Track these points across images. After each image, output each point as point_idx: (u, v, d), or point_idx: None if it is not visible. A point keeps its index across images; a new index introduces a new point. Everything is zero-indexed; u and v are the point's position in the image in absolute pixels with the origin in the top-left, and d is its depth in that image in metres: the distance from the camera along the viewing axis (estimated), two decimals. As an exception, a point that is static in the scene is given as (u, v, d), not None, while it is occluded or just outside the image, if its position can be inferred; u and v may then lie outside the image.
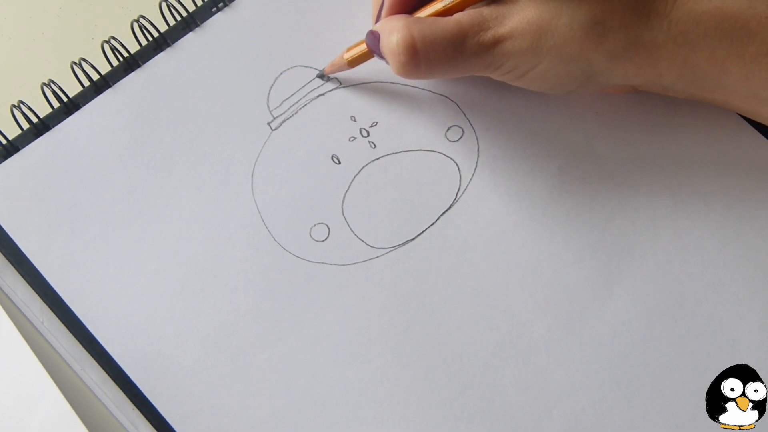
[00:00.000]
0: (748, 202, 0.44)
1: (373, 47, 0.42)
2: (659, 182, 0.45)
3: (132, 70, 0.48)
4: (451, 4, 0.41)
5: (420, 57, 0.40)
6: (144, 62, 0.48)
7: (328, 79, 0.48)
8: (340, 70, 0.47)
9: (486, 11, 0.40)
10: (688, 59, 0.39)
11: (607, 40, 0.38)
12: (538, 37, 0.39)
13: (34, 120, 0.46)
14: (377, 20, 0.43)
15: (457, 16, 0.40)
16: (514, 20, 0.39)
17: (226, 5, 0.49)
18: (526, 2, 0.39)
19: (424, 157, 0.46)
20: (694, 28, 0.38)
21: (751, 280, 0.43)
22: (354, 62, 0.45)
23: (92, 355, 0.43)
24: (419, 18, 0.40)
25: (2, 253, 0.44)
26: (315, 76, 0.47)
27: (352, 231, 0.45)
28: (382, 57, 0.42)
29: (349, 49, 0.45)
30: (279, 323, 0.43)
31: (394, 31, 0.40)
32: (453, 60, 0.40)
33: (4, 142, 0.46)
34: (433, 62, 0.40)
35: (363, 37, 0.44)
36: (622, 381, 0.41)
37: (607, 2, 0.38)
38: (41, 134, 0.46)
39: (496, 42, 0.39)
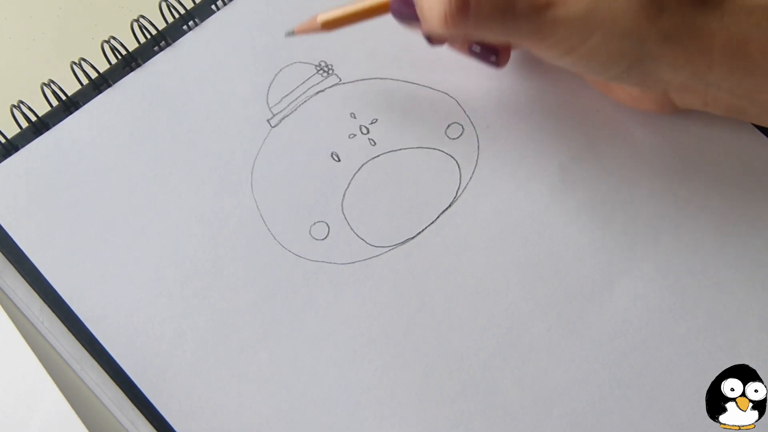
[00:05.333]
0: (749, 201, 0.44)
1: (398, 4, 0.41)
2: (660, 181, 0.44)
3: (132, 69, 0.48)
4: None
5: (471, 6, 0.38)
6: (143, 61, 0.48)
7: (326, 72, 0.47)
8: (313, 31, 0.44)
9: None
10: (740, 49, 0.38)
11: (662, 18, 0.37)
12: (593, 4, 0.37)
13: (34, 119, 0.46)
14: None
15: None
16: None
17: (225, 3, 0.49)
18: None
19: (424, 154, 0.46)
20: (747, 19, 0.38)
21: (751, 280, 0.42)
22: (331, 24, 0.43)
23: (92, 355, 0.43)
24: None
25: (2, 252, 0.44)
26: (284, 34, 0.46)
27: (351, 229, 0.44)
28: (405, 13, 0.40)
29: (322, 14, 0.43)
30: (279, 322, 0.43)
31: None
32: (503, 17, 0.38)
33: (3, 141, 0.46)
34: (483, 14, 0.38)
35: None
36: (622, 381, 0.41)
37: None
38: (41, 133, 0.46)
39: (549, 5, 0.38)
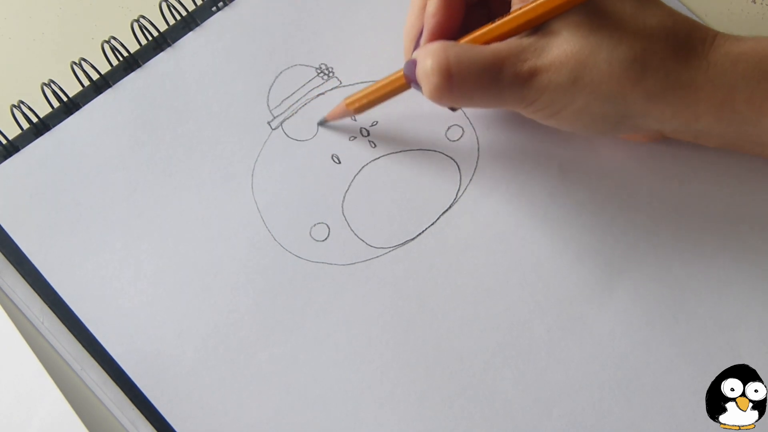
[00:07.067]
0: (749, 202, 0.44)
1: (411, 75, 0.41)
2: (659, 182, 0.44)
3: (132, 70, 0.48)
4: (492, 34, 0.39)
5: (454, 81, 0.38)
6: (144, 62, 0.48)
7: (326, 75, 0.47)
8: (344, 116, 0.46)
9: (525, 42, 0.38)
10: (726, 101, 0.38)
11: (645, 79, 0.37)
12: (576, 71, 0.37)
13: (34, 120, 0.46)
14: (414, 50, 0.42)
15: (495, 44, 0.39)
16: (553, 53, 0.38)
17: (225, 4, 0.49)
18: (566, 36, 0.38)
19: (424, 156, 0.46)
20: (732, 69, 0.38)
21: (751, 280, 0.43)
22: (362, 108, 0.45)
23: (92, 355, 0.43)
24: (455, 43, 0.39)
25: (2, 253, 0.44)
26: (316, 123, 0.47)
27: (352, 231, 0.45)
28: (418, 86, 0.41)
29: (349, 98, 0.45)
30: (279, 323, 0.43)
31: (429, 55, 0.39)
32: (487, 88, 0.38)
33: (4, 142, 0.46)
34: (467, 88, 0.38)
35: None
36: (622, 381, 0.41)
37: (647, 41, 0.37)
38: (41, 134, 0.46)
39: (533, 74, 0.38)
